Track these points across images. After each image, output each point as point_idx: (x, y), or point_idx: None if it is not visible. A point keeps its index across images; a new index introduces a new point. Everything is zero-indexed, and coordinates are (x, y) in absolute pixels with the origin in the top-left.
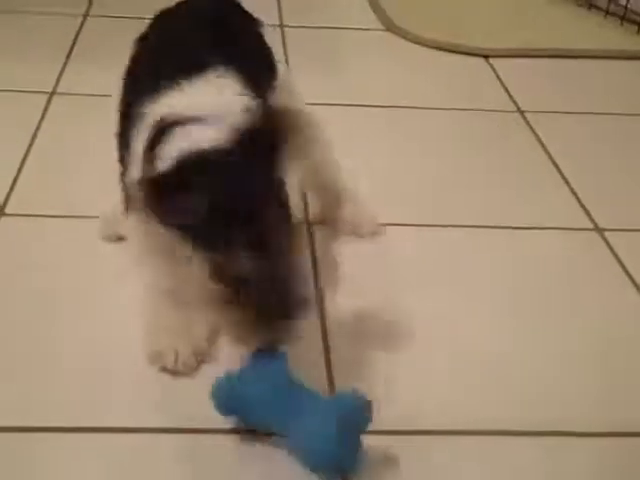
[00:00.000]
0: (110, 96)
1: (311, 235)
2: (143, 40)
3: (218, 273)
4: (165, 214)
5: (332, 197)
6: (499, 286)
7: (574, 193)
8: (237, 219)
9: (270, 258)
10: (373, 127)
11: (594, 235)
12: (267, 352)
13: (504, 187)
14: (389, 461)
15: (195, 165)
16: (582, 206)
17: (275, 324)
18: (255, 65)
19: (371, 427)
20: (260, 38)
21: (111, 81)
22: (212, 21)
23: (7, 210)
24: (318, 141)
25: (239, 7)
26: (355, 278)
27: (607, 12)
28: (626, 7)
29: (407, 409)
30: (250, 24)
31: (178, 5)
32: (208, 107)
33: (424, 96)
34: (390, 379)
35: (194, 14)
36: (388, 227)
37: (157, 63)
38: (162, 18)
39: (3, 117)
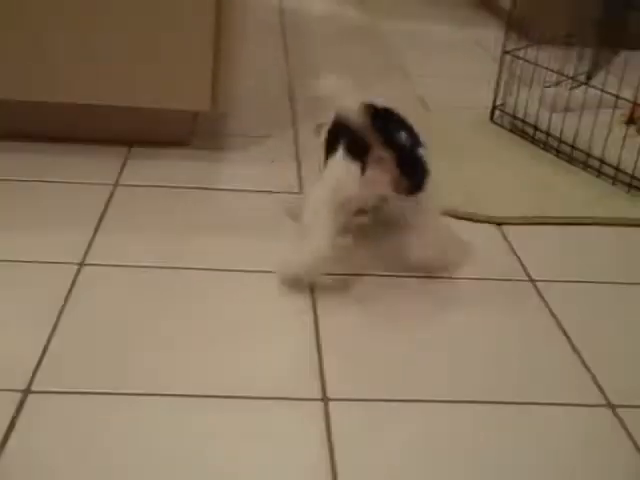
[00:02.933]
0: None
1: None
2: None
3: None
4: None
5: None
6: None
7: (586, 366)
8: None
9: None
10: None
11: (606, 411)
12: None
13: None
14: None
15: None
16: (595, 381)
17: None
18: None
19: None
20: None
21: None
22: None
23: (33, 388)
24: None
25: None
26: None
27: (614, 179)
28: (632, 175)
29: None
30: None
31: None
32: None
33: None
34: None
35: None
36: None
37: None
38: None
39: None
